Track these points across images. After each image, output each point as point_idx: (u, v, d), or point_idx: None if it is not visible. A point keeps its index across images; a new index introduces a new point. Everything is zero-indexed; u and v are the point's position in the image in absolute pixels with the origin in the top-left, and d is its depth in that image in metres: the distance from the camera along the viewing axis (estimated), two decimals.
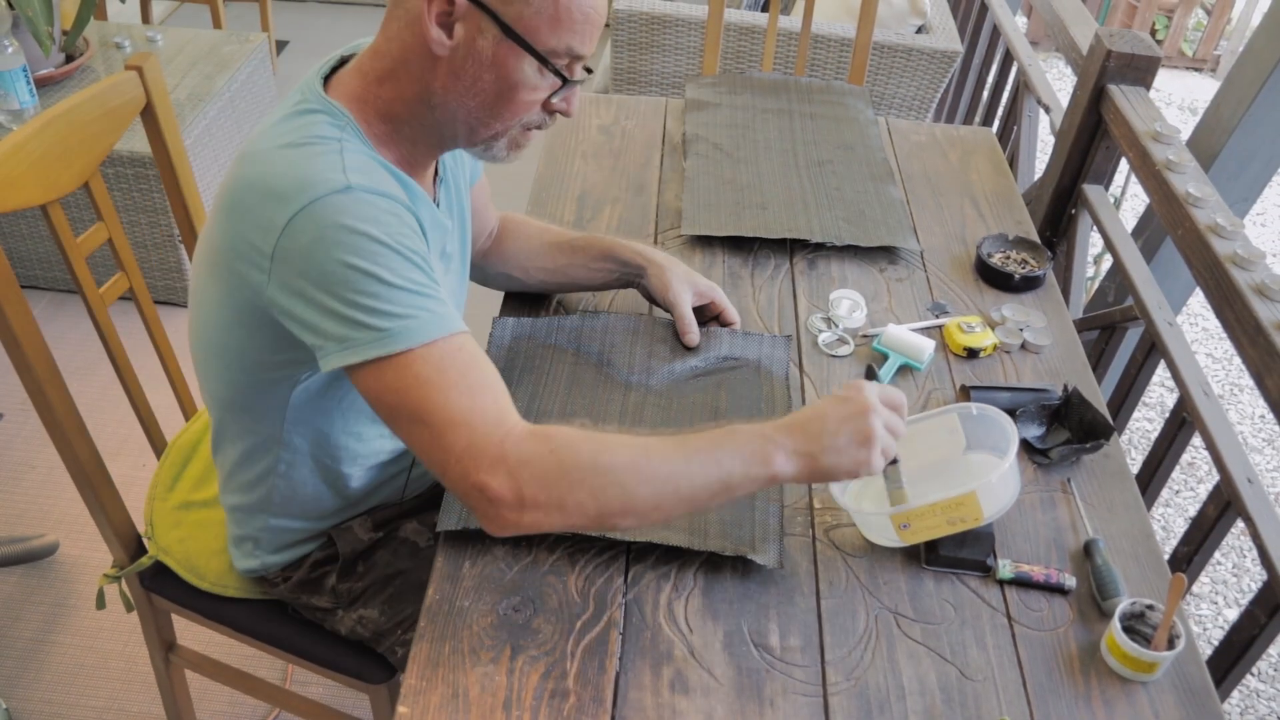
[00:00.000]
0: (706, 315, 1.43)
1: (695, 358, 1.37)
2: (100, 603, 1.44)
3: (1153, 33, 4.84)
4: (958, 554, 1.14)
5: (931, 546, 1.16)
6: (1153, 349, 1.70)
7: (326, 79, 1.08)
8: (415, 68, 1.02)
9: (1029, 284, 1.57)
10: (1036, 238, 1.67)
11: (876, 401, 1.03)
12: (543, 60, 1.01)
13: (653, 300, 1.41)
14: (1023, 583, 1.15)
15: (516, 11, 0.98)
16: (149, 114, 1.38)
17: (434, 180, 1.19)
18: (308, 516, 1.27)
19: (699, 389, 1.33)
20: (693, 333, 1.38)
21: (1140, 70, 1.87)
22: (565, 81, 1.04)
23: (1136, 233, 2.26)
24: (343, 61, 1.10)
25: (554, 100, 1.06)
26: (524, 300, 1.48)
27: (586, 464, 0.95)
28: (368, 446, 1.22)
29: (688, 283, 1.40)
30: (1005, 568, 1.15)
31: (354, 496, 1.27)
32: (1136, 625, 1.10)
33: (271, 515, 1.26)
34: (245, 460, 1.22)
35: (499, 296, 1.49)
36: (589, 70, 1.11)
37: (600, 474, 0.95)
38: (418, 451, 0.97)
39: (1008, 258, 1.62)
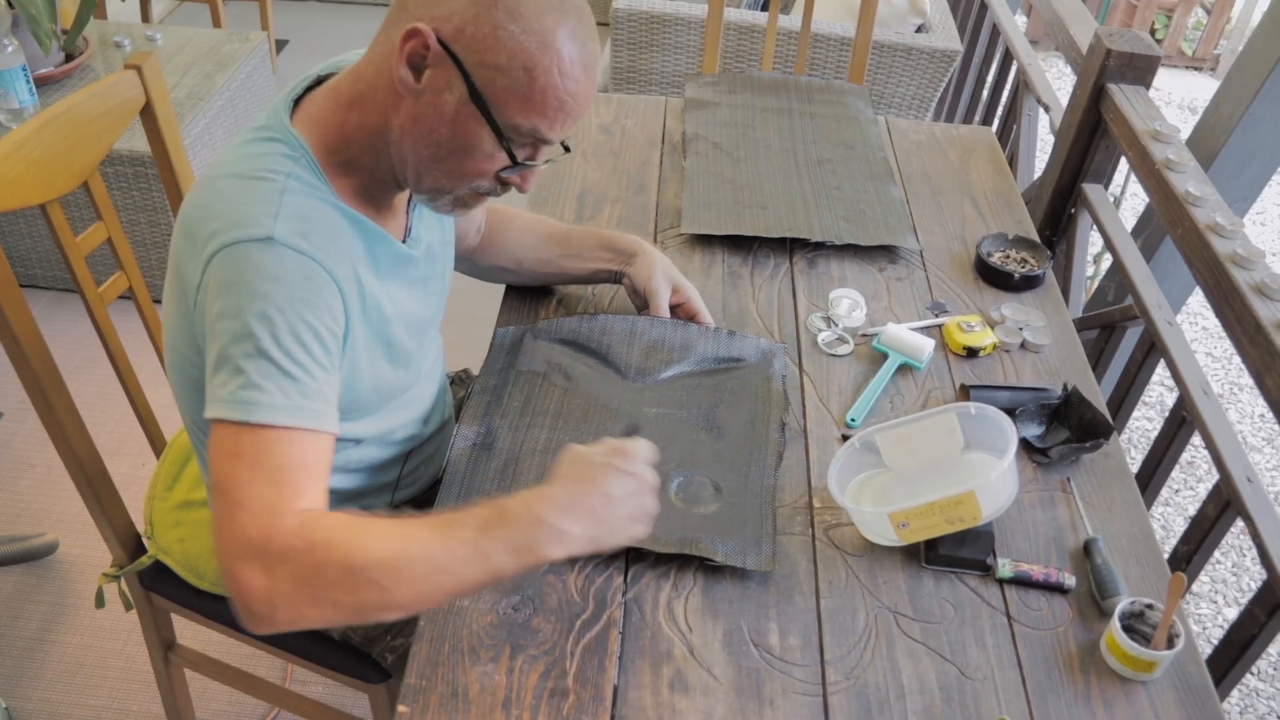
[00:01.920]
0: (680, 315, 1.44)
1: (693, 359, 1.37)
2: (100, 601, 1.43)
3: (1152, 32, 4.84)
4: (957, 553, 1.14)
5: (931, 546, 1.16)
6: (1152, 348, 1.70)
7: (300, 99, 1.05)
8: (380, 98, 0.99)
9: (1029, 283, 1.57)
10: (1036, 237, 1.67)
11: (649, 475, 0.99)
12: (499, 135, 0.97)
13: (634, 289, 1.42)
14: (1022, 582, 1.15)
15: (489, 77, 0.94)
16: (148, 113, 1.38)
17: (408, 205, 1.15)
18: None
19: (697, 389, 1.33)
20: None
21: (1140, 69, 1.87)
22: (515, 163, 1.01)
23: (1136, 232, 2.26)
24: (319, 81, 1.07)
25: (506, 174, 1.03)
26: (523, 301, 1.48)
27: (339, 562, 0.88)
28: (344, 457, 1.20)
29: (668, 277, 1.41)
30: (1005, 567, 1.15)
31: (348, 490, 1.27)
32: (1136, 624, 1.10)
33: None
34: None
35: (499, 296, 1.49)
36: (566, 149, 1.08)
37: (354, 573, 0.88)
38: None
39: (1007, 257, 1.62)
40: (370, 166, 1.04)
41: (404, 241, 1.13)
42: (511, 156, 1.00)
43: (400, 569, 0.89)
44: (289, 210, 0.96)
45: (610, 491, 0.95)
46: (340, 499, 1.24)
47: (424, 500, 1.35)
